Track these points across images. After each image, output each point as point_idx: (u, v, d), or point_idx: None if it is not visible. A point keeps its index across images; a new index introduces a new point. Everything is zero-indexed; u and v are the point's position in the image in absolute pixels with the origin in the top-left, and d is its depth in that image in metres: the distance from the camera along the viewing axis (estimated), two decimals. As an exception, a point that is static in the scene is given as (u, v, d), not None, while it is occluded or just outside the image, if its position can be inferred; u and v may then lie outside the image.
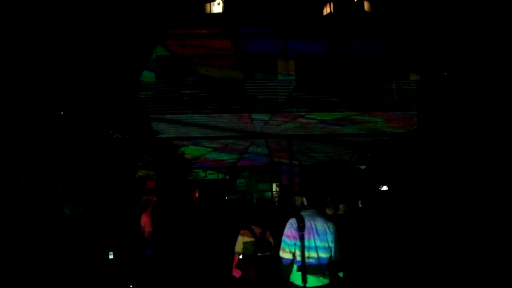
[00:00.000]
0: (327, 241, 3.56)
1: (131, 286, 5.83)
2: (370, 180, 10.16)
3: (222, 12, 13.39)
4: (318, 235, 3.56)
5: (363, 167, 11.03)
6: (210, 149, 12.31)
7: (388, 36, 13.03)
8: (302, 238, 3.52)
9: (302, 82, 12.69)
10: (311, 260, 3.49)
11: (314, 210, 3.71)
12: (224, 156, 12.40)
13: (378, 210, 8.88)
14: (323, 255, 3.54)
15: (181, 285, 6.79)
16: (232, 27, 12.63)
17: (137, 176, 8.79)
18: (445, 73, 11.19)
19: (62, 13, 7.85)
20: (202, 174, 12.50)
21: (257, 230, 4.50)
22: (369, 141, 11.47)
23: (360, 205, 9.49)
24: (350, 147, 11.90)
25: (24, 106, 6.78)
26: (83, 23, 8.24)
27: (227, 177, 12.73)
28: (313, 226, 3.58)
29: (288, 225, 3.65)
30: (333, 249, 3.59)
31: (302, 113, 12.35)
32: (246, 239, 4.47)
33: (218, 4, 13.51)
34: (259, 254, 4.28)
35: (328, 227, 3.62)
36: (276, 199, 12.46)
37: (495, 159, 7.53)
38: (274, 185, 12.92)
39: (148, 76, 12.35)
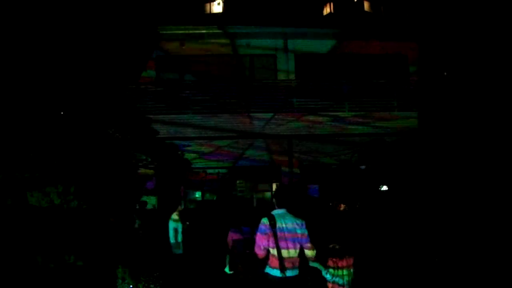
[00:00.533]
0: (296, 235, 4.00)
1: (131, 286, 5.83)
2: (370, 180, 10.16)
3: (222, 12, 13.39)
4: (288, 231, 3.99)
5: (363, 167, 11.03)
6: (209, 150, 12.31)
7: (388, 36, 13.03)
8: (274, 235, 3.94)
9: (302, 81, 12.68)
10: (283, 253, 3.93)
11: (283, 209, 4.13)
12: (223, 158, 12.41)
13: (378, 210, 8.88)
14: (293, 248, 3.98)
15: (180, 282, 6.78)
16: (232, 27, 12.62)
17: (137, 176, 8.79)
18: (445, 73, 11.19)
19: (62, 14, 7.85)
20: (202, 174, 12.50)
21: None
22: (369, 141, 11.46)
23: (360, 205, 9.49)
24: (350, 147, 11.89)
25: (24, 106, 6.78)
26: (83, 24, 8.24)
27: (227, 177, 12.73)
28: (283, 223, 4.01)
29: (261, 223, 4.07)
30: (303, 243, 4.03)
31: (303, 113, 12.33)
32: (236, 237, 4.87)
33: (218, 4, 13.51)
34: (247, 251, 4.59)
35: (297, 224, 4.05)
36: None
37: (495, 158, 7.53)
38: (274, 185, 12.91)
39: (148, 76, 12.35)
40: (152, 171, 9.70)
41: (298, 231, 4.00)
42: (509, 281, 5.43)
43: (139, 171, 9.12)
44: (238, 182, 12.83)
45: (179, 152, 10.78)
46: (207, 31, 12.64)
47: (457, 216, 7.11)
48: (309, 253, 4.00)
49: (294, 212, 4.18)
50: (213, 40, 12.75)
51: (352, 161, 11.38)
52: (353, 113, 12.32)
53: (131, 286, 5.86)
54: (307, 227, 4.03)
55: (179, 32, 12.53)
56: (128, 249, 6.65)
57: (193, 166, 11.73)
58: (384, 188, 10.58)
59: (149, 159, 9.25)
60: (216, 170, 12.57)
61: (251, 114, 12.12)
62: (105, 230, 6.65)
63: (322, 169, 12.32)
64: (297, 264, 3.98)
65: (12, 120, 6.62)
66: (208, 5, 13.59)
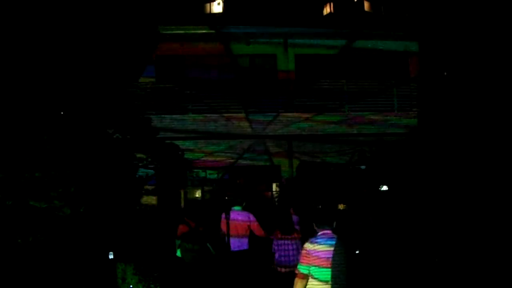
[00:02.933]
0: (245, 224, 5.90)
1: (131, 286, 5.83)
2: (370, 180, 10.16)
3: (222, 12, 13.38)
4: (238, 221, 5.92)
5: (363, 167, 11.04)
6: (210, 150, 12.31)
7: (388, 36, 13.02)
8: (227, 223, 5.86)
9: (303, 83, 12.67)
10: (234, 234, 5.87)
11: (239, 206, 6.11)
12: (223, 157, 12.41)
13: (378, 210, 8.89)
14: (242, 232, 5.91)
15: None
16: (231, 27, 12.61)
17: (137, 176, 8.78)
18: (445, 73, 11.20)
19: (62, 14, 7.85)
20: (202, 174, 12.50)
21: (192, 224, 6.12)
22: (369, 141, 11.46)
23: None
24: (350, 147, 11.89)
25: (24, 106, 6.78)
26: (83, 23, 8.24)
27: (225, 177, 12.72)
28: (236, 215, 5.96)
29: (222, 215, 6.03)
30: (252, 228, 5.91)
31: (303, 114, 12.31)
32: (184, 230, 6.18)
33: (218, 4, 13.50)
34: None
35: (246, 216, 5.98)
36: (276, 199, 12.46)
37: (495, 158, 7.54)
38: (274, 185, 12.91)
39: (148, 76, 12.34)
40: (152, 171, 9.69)
41: (246, 221, 5.90)
42: (509, 281, 5.43)
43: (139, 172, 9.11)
44: (238, 182, 12.81)
45: (180, 152, 10.78)
46: (207, 31, 12.63)
47: (457, 216, 7.12)
48: (257, 233, 5.90)
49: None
50: (213, 40, 12.74)
51: (352, 161, 11.38)
52: (353, 114, 12.33)
53: (131, 286, 5.87)
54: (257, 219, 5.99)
55: (179, 32, 12.51)
56: (128, 249, 6.65)
57: (193, 166, 11.73)
58: (384, 188, 10.59)
59: (149, 159, 9.24)
60: (216, 170, 12.58)
61: (250, 116, 12.10)
62: (105, 230, 6.65)
63: (322, 169, 12.31)
64: (245, 242, 5.87)
65: (12, 120, 6.62)
66: (208, 5, 13.58)
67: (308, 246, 3.56)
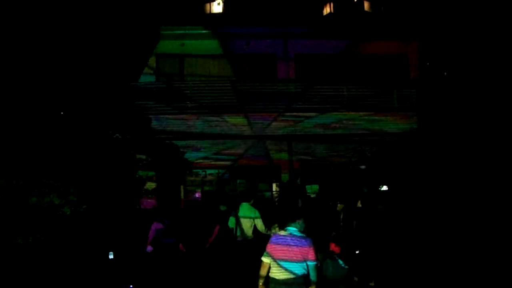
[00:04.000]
0: (250, 220, 6.69)
1: (131, 286, 5.84)
2: (370, 180, 10.17)
3: (222, 12, 13.39)
4: (245, 217, 6.74)
5: (363, 167, 11.04)
6: (210, 151, 12.32)
7: (388, 36, 13.01)
8: (237, 217, 6.76)
9: (303, 83, 12.67)
10: (243, 227, 6.70)
11: (246, 202, 6.89)
12: (223, 158, 12.42)
13: (378, 210, 8.89)
14: (248, 226, 6.69)
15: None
16: (231, 27, 12.61)
17: (137, 176, 8.79)
18: (445, 73, 11.20)
19: (62, 13, 7.86)
20: (202, 173, 12.50)
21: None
22: (369, 141, 11.46)
23: (360, 205, 9.50)
24: (350, 147, 11.89)
25: (24, 106, 6.79)
26: (83, 23, 8.25)
27: (226, 176, 12.73)
28: (243, 211, 6.78)
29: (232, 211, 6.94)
30: (255, 222, 6.68)
31: (303, 114, 12.31)
32: (158, 227, 6.81)
33: (218, 4, 13.50)
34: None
35: (253, 212, 6.76)
36: (276, 199, 12.46)
37: (495, 158, 7.55)
38: (274, 185, 12.91)
39: (148, 75, 12.34)
40: (152, 172, 9.70)
41: (252, 216, 6.70)
42: (509, 281, 5.43)
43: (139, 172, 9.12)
44: (238, 181, 12.82)
45: (181, 150, 10.78)
46: (207, 31, 12.64)
47: (457, 216, 7.12)
48: (259, 228, 6.65)
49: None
50: (212, 40, 12.75)
51: (352, 161, 11.38)
52: (353, 114, 12.32)
53: (131, 286, 5.87)
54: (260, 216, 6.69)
55: (179, 32, 12.52)
56: (127, 249, 6.66)
57: (193, 166, 11.74)
58: (384, 188, 10.59)
59: (149, 159, 9.25)
60: (216, 170, 12.58)
61: (250, 116, 12.10)
62: (105, 230, 6.66)
63: (322, 169, 12.31)
64: (251, 235, 6.66)
65: (13, 119, 6.63)
66: (208, 5, 13.58)
67: (271, 240, 4.37)
